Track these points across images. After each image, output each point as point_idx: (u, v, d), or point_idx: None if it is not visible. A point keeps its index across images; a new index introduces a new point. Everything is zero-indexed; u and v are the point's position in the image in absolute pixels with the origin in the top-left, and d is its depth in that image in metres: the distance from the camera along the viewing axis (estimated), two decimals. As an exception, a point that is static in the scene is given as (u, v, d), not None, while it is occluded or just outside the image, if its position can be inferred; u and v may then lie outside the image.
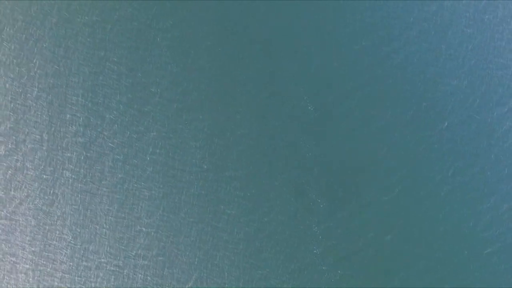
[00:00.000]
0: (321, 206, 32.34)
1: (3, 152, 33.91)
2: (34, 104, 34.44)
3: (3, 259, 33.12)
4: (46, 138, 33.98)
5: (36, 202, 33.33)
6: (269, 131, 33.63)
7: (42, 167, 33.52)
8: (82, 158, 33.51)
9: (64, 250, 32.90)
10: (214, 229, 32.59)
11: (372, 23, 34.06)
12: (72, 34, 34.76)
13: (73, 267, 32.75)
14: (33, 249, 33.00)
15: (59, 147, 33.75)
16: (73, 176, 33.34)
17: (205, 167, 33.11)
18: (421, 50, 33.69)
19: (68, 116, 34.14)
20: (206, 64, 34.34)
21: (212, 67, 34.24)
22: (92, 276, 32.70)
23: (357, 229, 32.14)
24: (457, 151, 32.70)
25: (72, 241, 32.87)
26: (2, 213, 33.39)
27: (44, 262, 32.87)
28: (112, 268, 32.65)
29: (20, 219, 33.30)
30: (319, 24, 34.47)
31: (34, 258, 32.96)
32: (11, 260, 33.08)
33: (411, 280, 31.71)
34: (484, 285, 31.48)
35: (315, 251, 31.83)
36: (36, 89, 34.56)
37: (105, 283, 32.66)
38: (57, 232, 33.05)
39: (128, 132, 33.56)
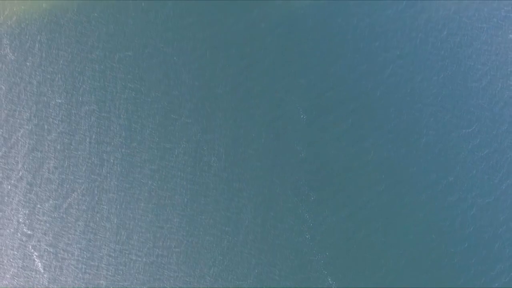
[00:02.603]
0: (312, 198, 36.08)
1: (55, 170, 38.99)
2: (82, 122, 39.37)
3: (57, 253, 37.87)
4: (93, 159, 38.86)
5: (82, 208, 38.06)
6: (269, 136, 37.26)
7: (88, 178, 38.41)
8: (120, 171, 38.07)
9: (107, 247, 37.58)
10: (221, 227, 36.77)
11: (363, 44, 37.73)
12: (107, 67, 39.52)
13: (113, 261, 37.21)
14: (79, 245, 37.77)
15: (103, 163, 38.46)
16: (113, 185, 38.05)
17: (213, 172, 37.38)
18: (405, 73, 37.61)
19: (109, 139, 38.94)
20: (212, 82, 38.24)
21: (218, 85, 38.12)
22: (130, 267, 37.05)
23: (343, 219, 35.84)
24: (435, 161, 36.33)
25: (113, 240, 37.45)
26: (56, 213, 38.33)
27: (89, 256, 37.37)
28: (146, 261, 37.02)
29: (71, 219, 38.04)
30: (313, 43, 38.09)
31: (81, 253, 37.51)
32: (62, 255, 37.72)
33: (394, 263, 35.29)
34: (459, 273, 34.93)
35: (307, 236, 35.67)
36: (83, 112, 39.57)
37: (141, 274, 36.88)
38: (100, 232, 37.61)
39: (158, 149, 38.25)
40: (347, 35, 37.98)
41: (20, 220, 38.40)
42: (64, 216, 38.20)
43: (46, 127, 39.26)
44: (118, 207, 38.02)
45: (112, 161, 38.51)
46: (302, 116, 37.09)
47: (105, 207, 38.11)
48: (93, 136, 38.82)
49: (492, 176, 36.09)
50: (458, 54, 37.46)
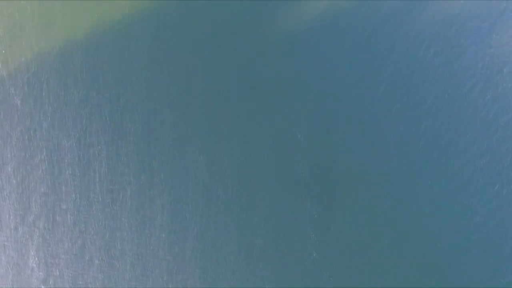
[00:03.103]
0: (315, 216, 37.06)
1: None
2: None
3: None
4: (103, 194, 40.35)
5: (94, 248, 39.32)
6: (270, 161, 38.59)
7: (98, 218, 39.72)
8: (130, 208, 39.43)
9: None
10: (232, 257, 37.90)
11: (356, 66, 39.02)
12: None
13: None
14: (94, 286, 38.86)
15: (114, 202, 39.79)
16: (124, 223, 39.39)
17: (221, 203, 38.60)
18: (398, 89, 38.70)
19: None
20: (214, 115, 39.72)
21: (219, 118, 39.71)
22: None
23: (347, 233, 36.74)
24: (435, 172, 37.10)
25: (127, 278, 38.60)
26: (68, 256, 39.55)
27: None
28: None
29: (84, 260, 39.23)
30: (306, 64, 39.36)
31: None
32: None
33: (401, 276, 35.81)
34: (468, 281, 35.30)
35: (314, 255, 36.49)
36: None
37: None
38: (114, 271, 38.85)
39: (166, 184, 39.62)
40: (340, 57, 39.51)
41: (34, 263, 39.34)
42: (77, 257, 39.18)
43: (56, 170, 40.81)
44: (130, 244, 38.94)
45: (121, 199, 39.73)
46: (298, 136, 38.38)
47: (117, 245, 39.05)
48: (102, 176, 40.15)
49: (492, 183, 36.75)
50: (447, 68, 38.67)
